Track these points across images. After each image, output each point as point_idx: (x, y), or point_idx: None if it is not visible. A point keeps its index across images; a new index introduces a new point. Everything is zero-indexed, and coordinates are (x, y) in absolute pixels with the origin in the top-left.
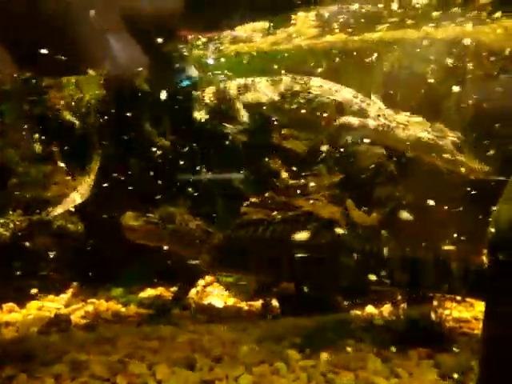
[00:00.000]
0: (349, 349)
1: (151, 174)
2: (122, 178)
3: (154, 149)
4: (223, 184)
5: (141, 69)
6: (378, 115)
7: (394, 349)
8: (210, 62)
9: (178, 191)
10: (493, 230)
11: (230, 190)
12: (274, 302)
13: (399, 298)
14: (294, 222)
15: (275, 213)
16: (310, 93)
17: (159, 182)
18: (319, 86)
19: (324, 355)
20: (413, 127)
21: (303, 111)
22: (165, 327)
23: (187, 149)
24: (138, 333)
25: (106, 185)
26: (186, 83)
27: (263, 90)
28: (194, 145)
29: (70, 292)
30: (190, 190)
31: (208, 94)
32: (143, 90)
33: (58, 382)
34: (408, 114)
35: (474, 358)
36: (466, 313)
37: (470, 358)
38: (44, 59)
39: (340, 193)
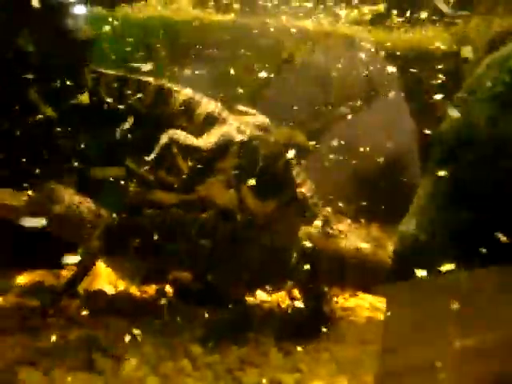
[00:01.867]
0: (250, 342)
1: (33, 147)
2: None
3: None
4: (110, 162)
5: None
6: (324, 220)
7: (292, 341)
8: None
9: (63, 168)
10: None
11: (118, 169)
12: (168, 289)
13: (292, 287)
14: (190, 206)
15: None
16: None
17: (42, 156)
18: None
19: (227, 350)
20: (353, 236)
21: None
22: (56, 321)
23: (75, 120)
24: (26, 330)
25: None
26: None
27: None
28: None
29: None
30: (75, 166)
31: None
32: (26, 50)
33: None
34: (349, 221)
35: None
36: (353, 300)
37: (362, 349)
38: None
39: (236, 179)
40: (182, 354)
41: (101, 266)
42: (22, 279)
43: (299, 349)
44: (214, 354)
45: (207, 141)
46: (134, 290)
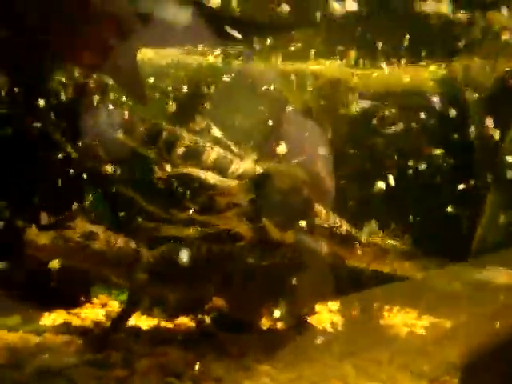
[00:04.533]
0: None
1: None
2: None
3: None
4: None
5: None
6: None
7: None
8: None
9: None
10: None
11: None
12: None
13: None
14: (217, 239)
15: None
16: None
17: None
18: None
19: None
20: None
21: None
22: (116, 354)
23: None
24: (90, 364)
25: None
26: None
27: None
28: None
29: None
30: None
31: None
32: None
33: None
34: None
35: None
36: None
37: None
38: None
39: (252, 211)
40: (257, 373)
41: None
42: (47, 320)
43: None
44: (286, 373)
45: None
46: (167, 323)
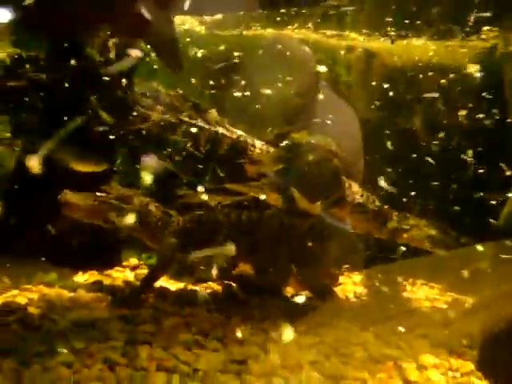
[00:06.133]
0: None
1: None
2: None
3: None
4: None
5: None
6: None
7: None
8: None
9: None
10: None
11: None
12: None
13: None
14: (246, 206)
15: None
16: None
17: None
18: None
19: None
20: None
21: None
22: (145, 312)
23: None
24: (120, 319)
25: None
26: None
27: None
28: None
29: None
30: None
31: None
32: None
33: None
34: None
35: None
36: None
37: None
38: None
39: (280, 182)
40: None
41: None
42: (80, 278)
43: None
44: (308, 338)
45: None
46: (193, 287)
